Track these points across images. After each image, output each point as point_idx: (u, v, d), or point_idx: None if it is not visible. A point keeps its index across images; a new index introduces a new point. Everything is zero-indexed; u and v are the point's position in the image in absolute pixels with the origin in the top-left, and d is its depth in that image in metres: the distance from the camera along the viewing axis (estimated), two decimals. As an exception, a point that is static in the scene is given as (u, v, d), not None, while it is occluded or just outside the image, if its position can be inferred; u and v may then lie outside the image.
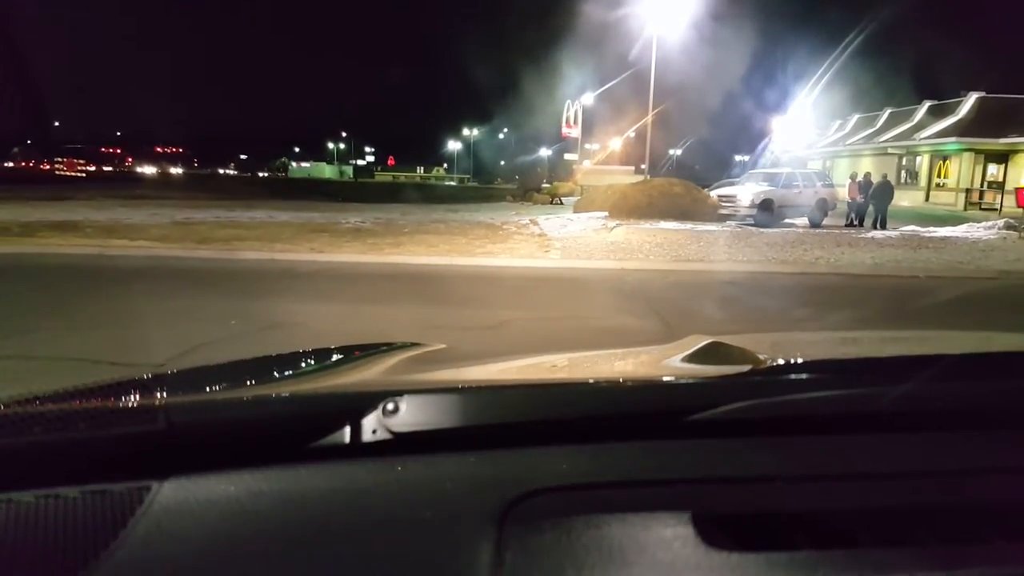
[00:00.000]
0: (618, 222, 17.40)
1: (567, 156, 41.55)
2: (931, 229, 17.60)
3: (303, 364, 1.33)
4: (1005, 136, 31.19)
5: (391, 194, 32.91)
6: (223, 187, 42.36)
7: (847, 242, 14.25)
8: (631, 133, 27.50)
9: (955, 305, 8.37)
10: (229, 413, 0.83)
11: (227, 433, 0.78)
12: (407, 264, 10.37)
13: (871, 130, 41.11)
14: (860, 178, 20.57)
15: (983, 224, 18.27)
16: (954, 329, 6.07)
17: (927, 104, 37.40)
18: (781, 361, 0.96)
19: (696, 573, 0.64)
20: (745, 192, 19.88)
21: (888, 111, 40.85)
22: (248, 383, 1.11)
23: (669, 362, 1.11)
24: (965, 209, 31.18)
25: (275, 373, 1.28)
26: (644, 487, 0.74)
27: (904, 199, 35.00)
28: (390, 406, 0.77)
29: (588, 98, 41.00)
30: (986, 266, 11.49)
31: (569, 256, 11.39)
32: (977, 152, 32.68)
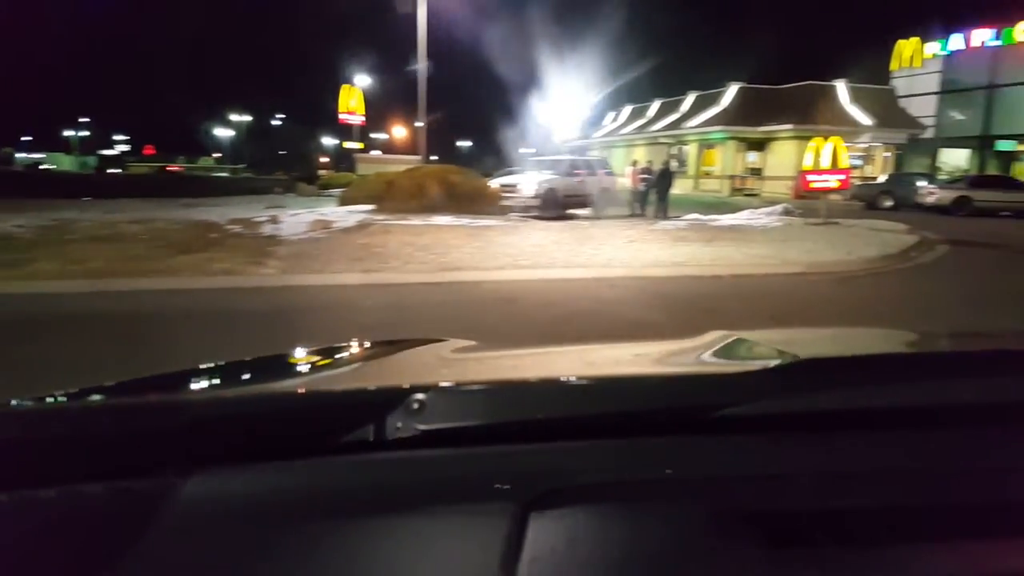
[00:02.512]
0: (385, 216, 14.35)
1: (348, 145, 37.70)
2: (714, 217, 16.65)
3: (328, 359, 1.29)
4: (763, 124, 32.69)
5: (134, 188, 27.00)
6: None
7: (639, 235, 12.45)
8: (419, 123, 24.44)
9: (795, 314, 6.43)
10: (253, 408, 0.83)
11: (251, 428, 0.77)
12: None
13: (643, 120, 41.91)
14: (642, 165, 19.51)
15: (763, 210, 17.79)
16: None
17: (693, 95, 38.60)
18: (804, 357, 0.94)
19: (720, 570, 0.64)
20: (528, 181, 17.83)
21: (658, 101, 41.86)
22: (273, 379, 1.15)
23: (692, 357, 1.11)
24: (731, 195, 32.31)
25: (299, 369, 1.27)
26: (667, 484, 0.73)
27: (675, 187, 35.85)
28: (415, 402, 0.77)
29: (366, 81, 37.31)
30: (793, 259, 10.11)
31: (293, 269, 8.17)
32: (739, 140, 34.05)
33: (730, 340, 1.08)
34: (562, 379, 0.99)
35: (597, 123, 46.73)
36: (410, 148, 40.19)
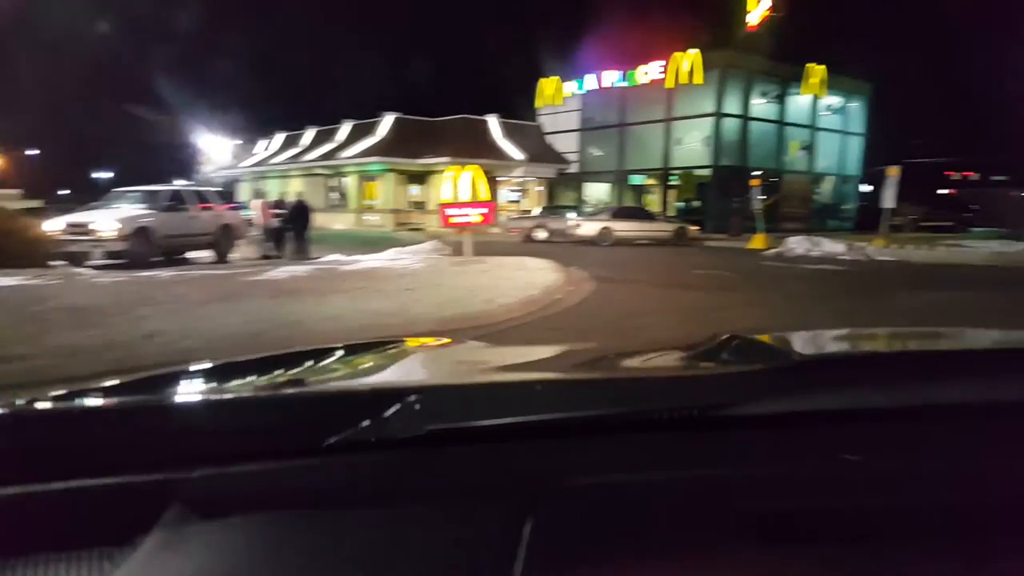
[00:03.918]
0: None
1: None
2: (356, 257, 14.02)
3: (328, 359, 1.30)
4: (421, 156, 31.50)
5: None
6: None
7: (237, 288, 9.14)
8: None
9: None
10: (252, 407, 0.84)
11: (250, 427, 0.77)
12: None
13: (298, 149, 38.53)
14: (274, 199, 16.29)
15: (410, 248, 15.66)
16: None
17: (349, 123, 36.34)
18: (806, 357, 0.95)
19: (724, 570, 0.65)
20: (107, 219, 13.48)
21: (313, 129, 38.85)
22: (272, 378, 1.14)
23: (695, 358, 1.12)
24: (395, 230, 30.54)
25: (294, 368, 1.25)
26: (668, 483, 0.73)
27: (337, 222, 33.11)
28: (415, 401, 0.77)
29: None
30: (421, 314, 7.80)
31: None
32: (399, 172, 32.52)
33: (732, 340, 1.07)
34: (564, 379, 1.02)
35: (249, 151, 42.10)
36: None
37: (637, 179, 35.48)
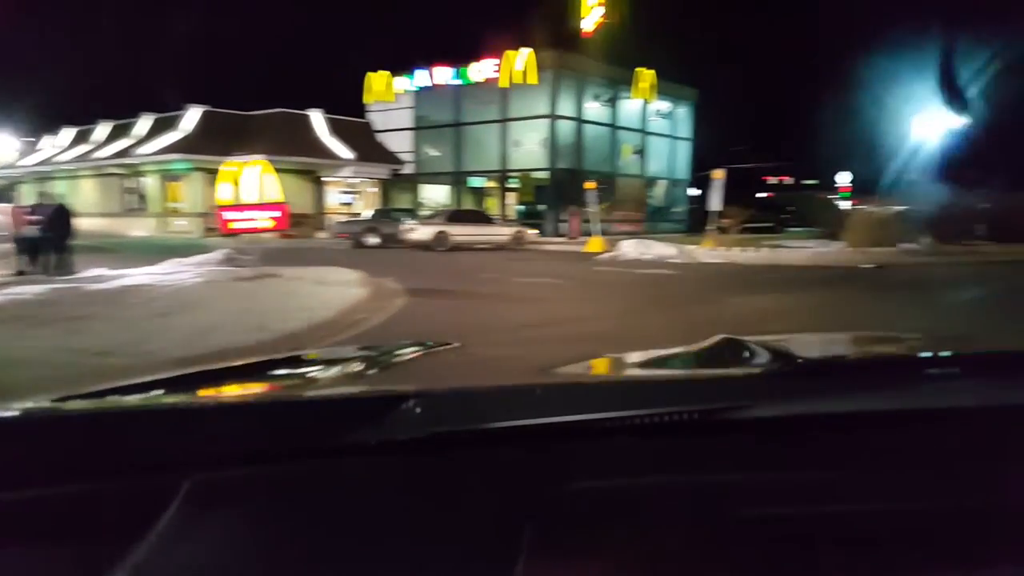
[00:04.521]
0: None
1: None
2: (124, 272, 11.44)
3: (330, 363, 1.33)
4: (233, 153, 28.37)
5: None
6: None
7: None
8: None
9: None
10: (254, 411, 0.84)
11: (252, 431, 0.77)
12: None
13: (89, 146, 33.79)
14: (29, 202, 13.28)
15: (196, 259, 13.16)
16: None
17: (150, 117, 32.23)
18: (807, 361, 0.95)
19: (723, 573, 0.65)
20: None
21: (107, 124, 34.21)
22: (274, 382, 1.18)
23: (694, 361, 1.12)
24: (204, 236, 27.22)
25: (298, 372, 1.28)
26: (669, 487, 0.74)
27: (136, 228, 29.22)
28: (417, 405, 0.77)
29: None
30: (154, 351, 5.88)
31: None
32: (208, 171, 29.11)
33: (732, 344, 1.08)
34: (564, 383, 1.02)
35: (34, 148, 36.50)
36: None
37: (477, 181, 34.38)
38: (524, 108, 30.83)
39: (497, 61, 30.26)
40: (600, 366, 1.23)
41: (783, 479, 0.74)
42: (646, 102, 34.47)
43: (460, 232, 21.93)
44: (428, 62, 32.40)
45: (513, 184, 32.96)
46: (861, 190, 34.28)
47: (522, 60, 29.65)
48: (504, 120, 31.51)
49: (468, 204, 32.27)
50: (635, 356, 1.26)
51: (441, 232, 21.71)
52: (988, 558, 0.67)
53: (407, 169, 34.17)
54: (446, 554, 0.65)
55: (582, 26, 31.56)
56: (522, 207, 32.19)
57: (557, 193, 29.76)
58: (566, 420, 0.77)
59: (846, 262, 16.68)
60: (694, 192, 38.84)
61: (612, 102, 33.43)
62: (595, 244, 21.18)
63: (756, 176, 55.43)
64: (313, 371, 1.26)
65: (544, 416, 0.77)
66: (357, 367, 1.25)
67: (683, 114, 38.45)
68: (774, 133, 52.16)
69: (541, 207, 30.86)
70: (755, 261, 17.57)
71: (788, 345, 1.09)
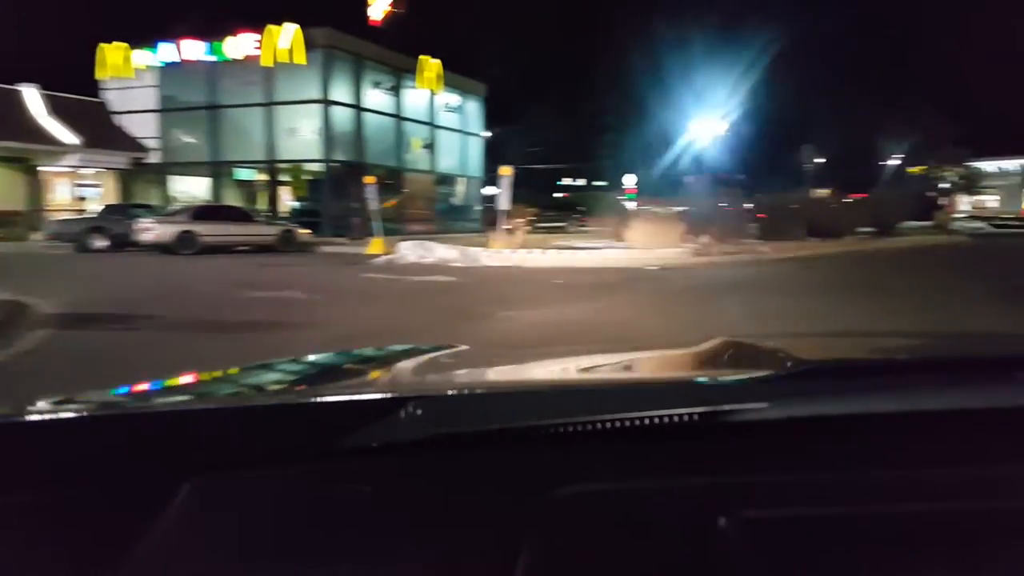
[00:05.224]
0: None
1: None
2: None
3: (330, 365, 1.32)
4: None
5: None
6: None
7: None
8: None
9: None
10: (254, 413, 0.85)
11: (252, 433, 0.77)
12: None
13: None
14: None
15: None
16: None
17: None
18: (809, 362, 0.94)
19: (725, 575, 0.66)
20: None
21: None
22: (275, 384, 1.17)
23: (695, 363, 1.11)
24: None
25: (302, 375, 1.28)
26: (669, 489, 0.73)
27: None
28: (417, 407, 0.77)
29: None
30: None
31: None
32: None
33: (734, 345, 1.07)
34: (564, 384, 1.02)
35: None
36: None
37: (244, 174, 30.31)
38: (293, 91, 27.42)
39: (258, 37, 26.56)
40: (601, 367, 1.22)
41: (784, 481, 0.74)
42: (433, 93, 32.49)
43: (211, 232, 18.75)
44: (175, 34, 27.80)
45: (286, 178, 29.35)
46: (646, 191, 35.23)
47: (287, 37, 26.20)
48: (270, 104, 27.82)
49: (234, 199, 28.28)
50: (636, 357, 1.30)
51: (186, 232, 18.41)
52: (989, 561, 0.67)
53: (154, 158, 29.17)
54: (446, 555, 0.66)
55: (369, 14, 29.12)
56: (298, 204, 28.80)
57: (335, 188, 26.78)
58: (566, 422, 0.76)
59: (631, 263, 16.03)
60: (493, 191, 37.82)
61: (396, 90, 31.00)
62: (376, 246, 19.10)
63: (553, 177, 56.32)
64: (313, 373, 1.26)
65: (544, 418, 0.77)
66: (357, 369, 1.27)
67: (474, 109, 37.04)
68: (569, 134, 52.86)
69: (316, 204, 27.69)
70: (541, 264, 16.21)
71: (787, 346, 1.08)
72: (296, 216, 26.58)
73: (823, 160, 38.86)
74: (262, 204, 29.06)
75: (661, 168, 37.11)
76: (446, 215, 33.62)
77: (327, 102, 27.32)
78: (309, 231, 22.34)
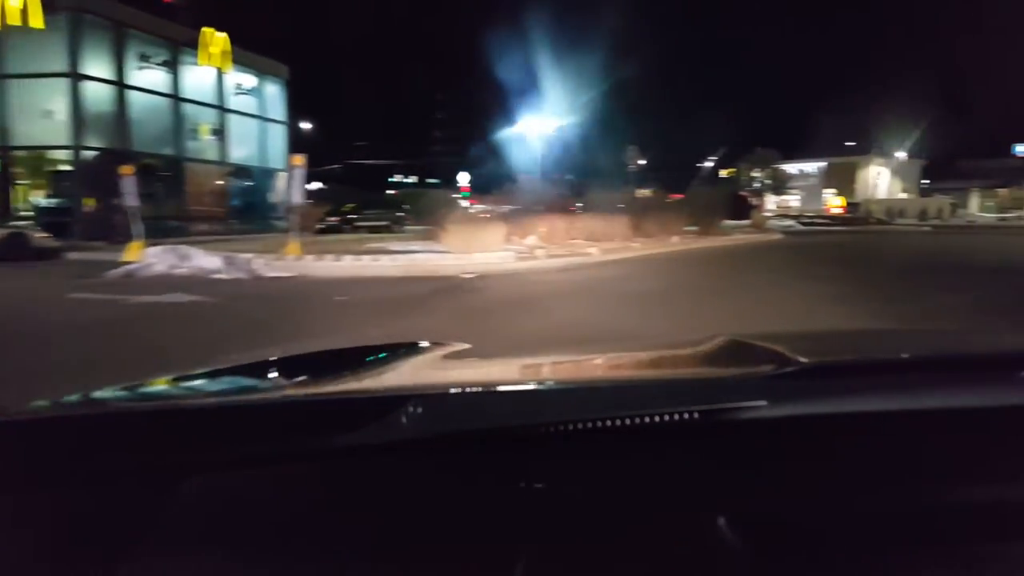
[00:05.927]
0: None
1: None
2: None
3: (327, 363, 1.31)
4: None
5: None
6: None
7: None
8: None
9: None
10: (254, 411, 0.85)
11: (252, 431, 0.78)
12: None
13: None
14: None
15: None
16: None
17: None
18: (809, 361, 0.92)
19: (725, 574, 0.66)
20: None
21: None
22: (272, 383, 1.16)
23: (694, 361, 1.10)
24: None
25: (302, 372, 1.27)
26: (668, 488, 0.74)
27: None
28: (414, 406, 0.77)
29: None
30: None
31: None
32: None
33: (732, 343, 1.07)
34: (562, 383, 1.02)
35: None
36: None
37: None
38: (29, 61, 22.14)
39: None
40: (602, 367, 1.21)
41: (783, 479, 0.74)
42: (221, 72, 28.00)
43: None
44: None
45: (21, 168, 23.72)
46: (479, 190, 33.07)
47: (14, -9, 20.92)
48: (0, 76, 22.25)
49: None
50: (636, 356, 1.31)
51: None
52: (989, 558, 0.67)
53: None
54: (447, 555, 0.66)
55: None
56: (44, 201, 23.36)
57: (91, 181, 21.80)
58: (566, 421, 0.76)
59: (445, 270, 13.46)
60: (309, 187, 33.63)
61: (171, 66, 26.23)
62: (132, 251, 15.21)
63: (385, 173, 52.95)
64: (313, 372, 1.25)
65: (546, 417, 0.77)
66: (358, 368, 1.24)
67: (275, 93, 32.76)
68: (399, 129, 49.68)
69: (65, 201, 22.50)
70: (332, 274, 13.14)
71: (787, 344, 1.07)
72: (41, 216, 21.38)
73: (644, 162, 38.90)
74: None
75: (494, 167, 35.23)
76: (245, 213, 29.25)
77: (76, 75, 22.29)
78: (50, 234, 17.69)
